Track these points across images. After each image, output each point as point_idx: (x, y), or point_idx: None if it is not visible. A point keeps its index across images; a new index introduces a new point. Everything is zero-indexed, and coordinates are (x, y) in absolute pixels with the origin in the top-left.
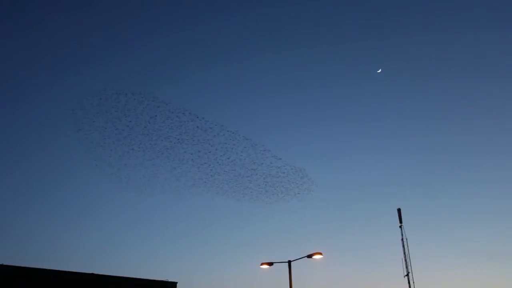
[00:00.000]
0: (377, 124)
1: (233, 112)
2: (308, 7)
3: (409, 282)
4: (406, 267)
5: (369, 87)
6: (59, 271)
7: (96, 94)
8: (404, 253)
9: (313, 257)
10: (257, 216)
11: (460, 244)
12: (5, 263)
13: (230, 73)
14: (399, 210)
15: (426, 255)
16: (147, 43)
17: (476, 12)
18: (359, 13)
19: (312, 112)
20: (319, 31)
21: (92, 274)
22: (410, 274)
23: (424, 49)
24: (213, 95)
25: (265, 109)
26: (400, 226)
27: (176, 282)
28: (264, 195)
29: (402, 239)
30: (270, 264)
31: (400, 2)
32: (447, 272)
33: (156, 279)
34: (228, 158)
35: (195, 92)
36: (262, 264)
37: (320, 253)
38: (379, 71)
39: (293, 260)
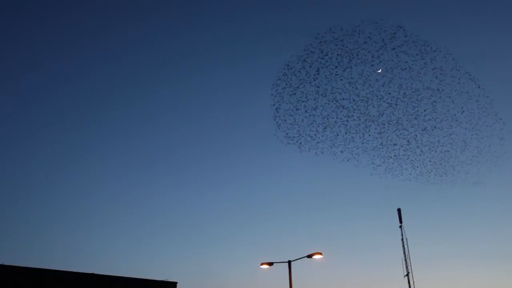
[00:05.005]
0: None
1: None
2: None
3: (409, 282)
4: (406, 267)
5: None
6: (59, 271)
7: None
8: (404, 253)
9: (313, 257)
10: (257, 216)
11: (460, 244)
12: (5, 263)
13: None
14: (399, 210)
15: (426, 255)
16: None
17: (479, 14)
18: (358, 14)
19: None
20: None
21: (92, 274)
22: (410, 274)
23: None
24: None
25: None
26: (400, 226)
27: (176, 282)
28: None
29: (402, 239)
30: (270, 264)
31: (400, 4)
32: (447, 272)
33: (156, 279)
34: None
35: None
36: (262, 264)
37: (320, 253)
38: (379, 71)
39: (293, 260)
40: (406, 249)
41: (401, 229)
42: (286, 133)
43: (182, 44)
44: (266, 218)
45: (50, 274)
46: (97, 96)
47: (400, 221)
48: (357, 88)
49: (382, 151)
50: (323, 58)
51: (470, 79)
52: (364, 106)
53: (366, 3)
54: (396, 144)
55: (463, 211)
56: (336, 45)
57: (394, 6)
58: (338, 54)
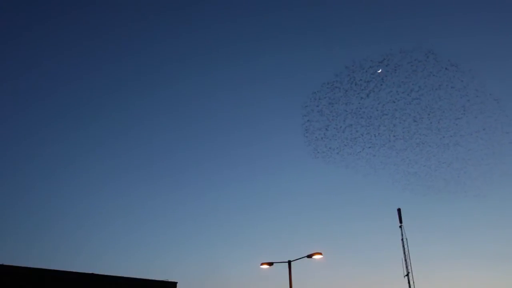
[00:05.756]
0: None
1: None
2: None
3: (409, 282)
4: (406, 267)
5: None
6: (59, 271)
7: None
8: (404, 253)
9: (313, 257)
10: (257, 216)
11: (460, 244)
12: (5, 263)
13: None
14: (399, 210)
15: (426, 255)
16: None
17: (479, 15)
18: (359, 15)
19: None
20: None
21: (92, 274)
22: (410, 274)
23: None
24: None
25: None
26: (400, 226)
27: (176, 282)
28: None
29: (402, 239)
30: (270, 264)
31: (399, 5)
32: (447, 272)
33: (156, 279)
34: None
35: None
36: (262, 264)
37: (320, 253)
38: (380, 71)
39: (293, 260)
40: (406, 249)
41: (401, 229)
42: (315, 148)
43: (182, 44)
44: (266, 218)
45: (50, 274)
46: (97, 96)
47: (400, 221)
48: (383, 107)
49: (403, 167)
50: (352, 83)
51: (494, 100)
52: (390, 121)
53: (399, 31)
54: (417, 162)
55: (463, 211)
56: (366, 71)
57: (427, 30)
58: (367, 81)
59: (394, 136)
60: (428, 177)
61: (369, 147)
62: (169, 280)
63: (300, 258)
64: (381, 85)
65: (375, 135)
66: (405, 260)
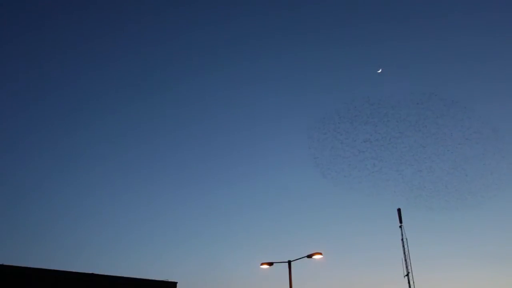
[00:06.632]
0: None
1: None
2: None
3: (409, 282)
4: (406, 267)
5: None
6: (59, 271)
7: None
8: (404, 253)
9: (313, 257)
10: (257, 216)
11: (460, 244)
12: (5, 263)
13: None
14: (399, 210)
15: (426, 255)
16: None
17: (477, 16)
18: (359, 16)
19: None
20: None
21: (92, 274)
22: (410, 274)
23: (423, 51)
24: None
25: None
26: (400, 226)
27: (176, 282)
28: None
29: (402, 239)
30: (270, 264)
31: (399, 6)
32: (447, 272)
33: (156, 279)
34: None
35: None
36: (262, 264)
37: (320, 253)
38: (380, 71)
39: (293, 260)
40: (406, 249)
41: (401, 229)
42: (323, 172)
43: (182, 44)
44: (266, 218)
45: (50, 274)
46: (98, 96)
47: (400, 221)
48: (391, 134)
49: (406, 190)
50: (355, 116)
51: (493, 130)
52: (397, 146)
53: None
54: (421, 185)
55: (463, 211)
56: (369, 107)
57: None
58: (369, 114)
59: (401, 159)
60: (430, 199)
61: (377, 171)
62: (169, 280)
63: (300, 258)
64: (387, 111)
65: (382, 160)
66: (405, 260)
